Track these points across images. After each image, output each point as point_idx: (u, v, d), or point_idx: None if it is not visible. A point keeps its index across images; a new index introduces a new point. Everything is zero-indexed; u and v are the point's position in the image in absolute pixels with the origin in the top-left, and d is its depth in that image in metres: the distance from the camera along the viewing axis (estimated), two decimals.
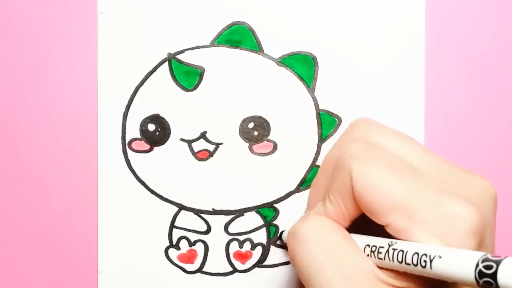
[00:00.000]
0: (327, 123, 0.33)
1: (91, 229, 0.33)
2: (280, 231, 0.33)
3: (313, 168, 0.32)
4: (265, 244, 0.33)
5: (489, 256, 0.18)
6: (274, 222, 0.33)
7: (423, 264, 0.20)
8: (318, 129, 0.33)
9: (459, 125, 0.33)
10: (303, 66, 0.32)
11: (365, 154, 0.23)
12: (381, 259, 0.22)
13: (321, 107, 0.33)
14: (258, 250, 0.33)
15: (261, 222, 0.33)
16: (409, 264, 0.20)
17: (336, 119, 0.33)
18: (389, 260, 0.21)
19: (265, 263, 0.33)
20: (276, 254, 0.33)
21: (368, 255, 0.22)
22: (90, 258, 0.33)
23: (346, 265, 0.22)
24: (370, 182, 0.22)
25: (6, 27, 0.33)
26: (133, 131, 0.33)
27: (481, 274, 0.18)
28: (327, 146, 0.32)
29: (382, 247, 0.22)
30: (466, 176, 0.23)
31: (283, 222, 0.32)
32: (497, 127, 0.33)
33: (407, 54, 0.32)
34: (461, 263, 0.18)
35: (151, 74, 0.33)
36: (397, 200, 0.21)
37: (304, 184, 0.32)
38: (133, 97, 0.33)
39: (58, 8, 0.33)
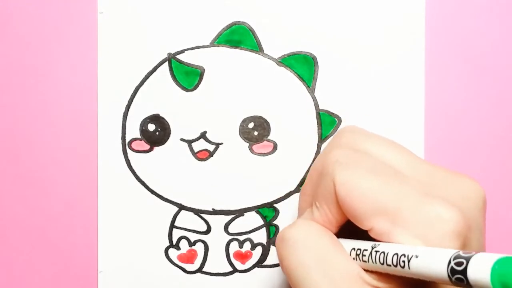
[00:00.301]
0: (327, 123, 0.33)
1: (91, 229, 0.33)
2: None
3: None
4: (265, 244, 0.33)
5: (460, 253, 0.18)
6: (274, 222, 0.33)
7: (401, 264, 0.20)
8: (318, 129, 0.33)
9: (459, 125, 0.33)
10: (303, 66, 0.32)
11: (349, 160, 0.23)
12: (365, 261, 0.22)
13: (321, 107, 0.33)
14: (258, 250, 0.33)
15: (261, 222, 0.33)
16: (390, 265, 0.20)
17: (336, 119, 0.33)
18: (372, 262, 0.21)
19: (265, 263, 0.33)
20: (276, 254, 0.33)
21: (354, 258, 0.22)
22: (90, 258, 0.33)
23: (333, 269, 0.22)
24: (352, 187, 0.22)
25: (6, 27, 0.33)
26: (133, 131, 0.33)
27: (453, 271, 0.18)
28: None
29: (366, 250, 0.22)
30: (454, 179, 0.23)
31: (283, 222, 0.33)
32: (497, 128, 0.33)
33: (407, 54, 0.32)
34: (435, 261, 0.18)
35: (151, 74, 0.33)
36: (380, 204, 0.21)
37: None
38: (133, 97, 0.33)
39: (58, 8, 0.33)
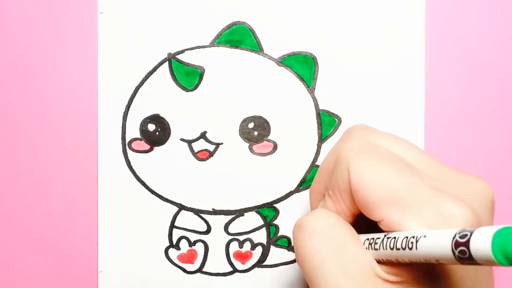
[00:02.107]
0: (327, 123, 0.33)
1: (91, 229, 0.33)
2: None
3: (313, 168, 0.32)
4: (265, 244, 0.33)
5: (466, 228, 0.18)
6: (274, 222, 0.33)
7: (410, 246, 0.20)
8: (318, 129, 0.33)
9: (459, 125, 0.33)
10: (303, 66, 0.32)
11: (364, 149, 0.23)
12: (376, 249, 0.22)
13: (321, 107, 0.33)
14: (258, 250, 0.33)
15: (261, 222, 0.33)
16: (399, 249, 0.20)
17: (336, 119, 0.33)
18: (383, 248, 0.21)
19: (265, 263, 0.33)
20: (276, 254, 0.33)
21: (367, 248, 0.23)
22: (90, 258, 0.33)
23: (347, 258, 0.22)
24: (366, 174, 0.22)
25: (6, 27, 0.33)
26: (133, 131, 0.33)
27: (457, 244, 0.18)
28: (327, 146, 0.32)
29: (379, 238, 0.22)
30: (463, 177, 0.23)
31: (283, 222, 0.33)
32: (497, 128, 0.33)
33: (407, 54, 0.32)
34: (441, 237, 0.19)
35: (151, 74, 0.33)
36: (393, 194, 0.21)
37: (304, 184, 0.32)
38: (133, 97, 0.33)
39: (58, 8, 0.33)
